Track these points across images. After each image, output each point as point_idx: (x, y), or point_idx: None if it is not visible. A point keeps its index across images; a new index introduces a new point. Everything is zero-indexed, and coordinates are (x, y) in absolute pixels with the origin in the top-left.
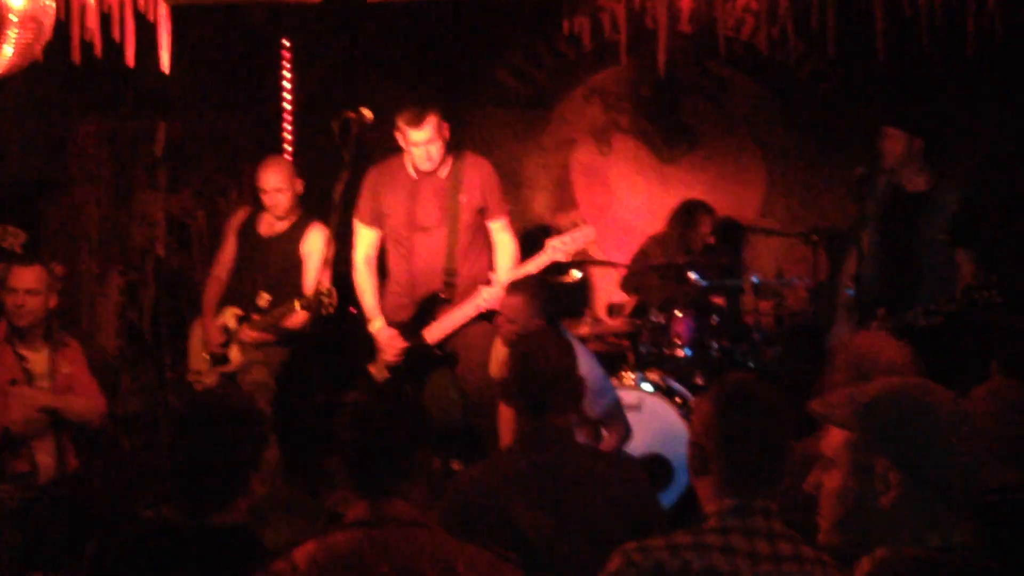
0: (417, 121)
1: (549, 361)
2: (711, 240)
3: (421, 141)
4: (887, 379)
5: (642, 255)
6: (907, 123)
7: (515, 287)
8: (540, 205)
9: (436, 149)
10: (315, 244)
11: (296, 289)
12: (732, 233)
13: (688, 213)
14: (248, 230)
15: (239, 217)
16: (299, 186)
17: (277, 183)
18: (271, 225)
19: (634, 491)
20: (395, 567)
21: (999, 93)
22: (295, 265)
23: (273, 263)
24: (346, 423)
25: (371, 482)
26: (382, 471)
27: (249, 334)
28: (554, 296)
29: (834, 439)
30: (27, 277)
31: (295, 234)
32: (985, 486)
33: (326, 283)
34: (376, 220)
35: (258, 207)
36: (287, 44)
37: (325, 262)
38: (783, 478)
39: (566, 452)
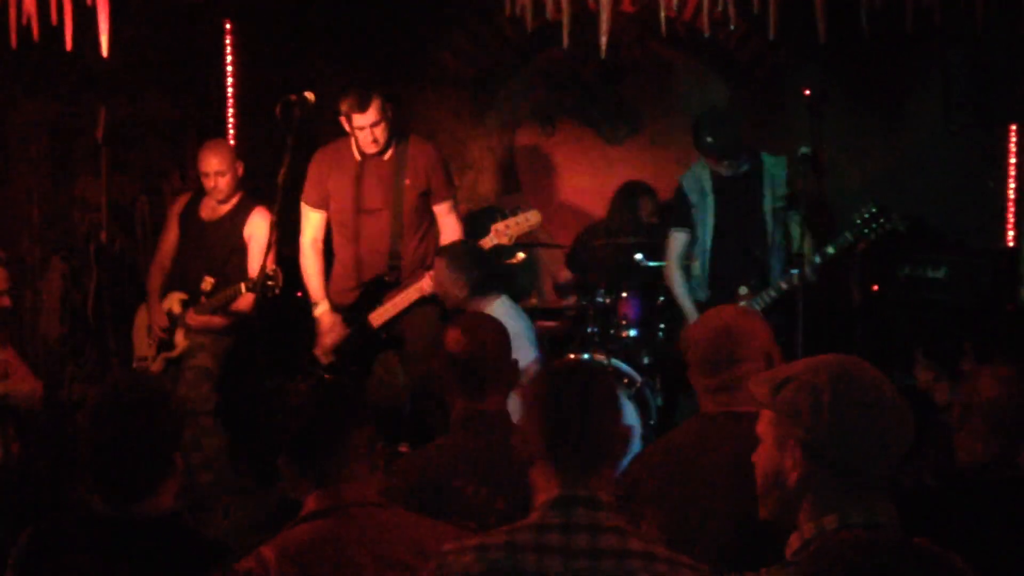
0: (362, 105)
1: (483, 347)
2: (654, 220)
3: (367, 124)
4: (815, 358)
5: (586, 233)
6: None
7: (438, 252)
8: (485, 187)
9: (382, 132)
10: (258, 227)
11: (240, 272)
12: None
13: (629, 195)
14: (190, 215)
15: (180, 203)
16: (240, 169)
17: (218, 165)
18: (213, 209)
19: None
20: (371, 552)
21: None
22: (238, 249)
23: (216, 247)
24: (283, 414)
25: (318, 469)
26: (324, 457)
27: (196, 318)
28: (485, 267)
29: (763, 416)
30: None
31: (237, 218)
32: (898, 470)
33: (271, 265)
34: (322, 202)
35: (200, 192)
36: (229, 26)
37: (269, 245)
38: (613, 464)
39: (506, 436)
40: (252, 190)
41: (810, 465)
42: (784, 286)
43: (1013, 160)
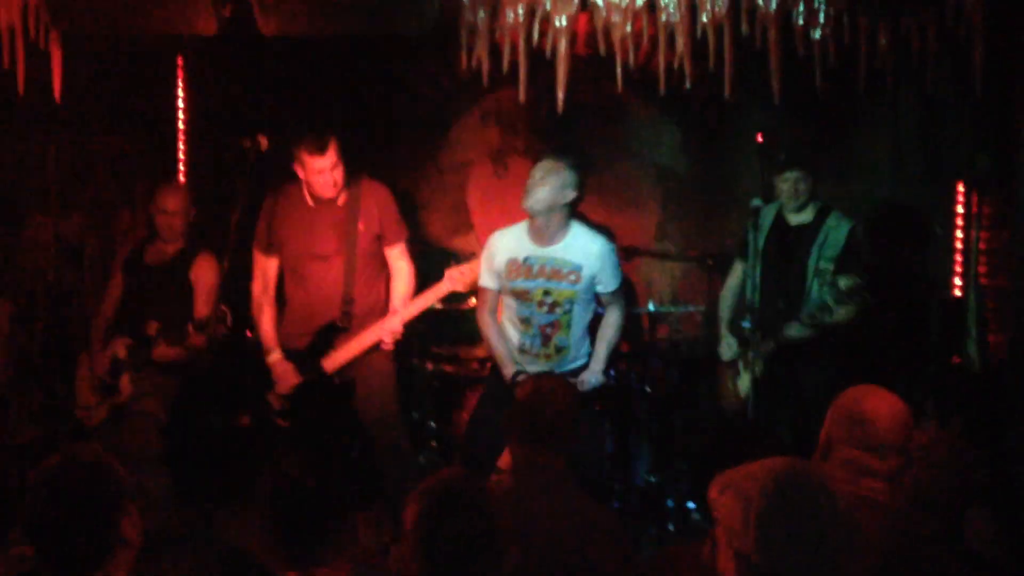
0: (321, 148)
1: (554, 402)
2: None
3: (326, 167)
4: (759, 463)
5: None
6: (804, 162)
7: None
8: (437, 227)
9: (339, 174)
10: (203, 271)
11: (186, 316)
12: (628, 257)
13: None
14: (134, 262)
15: (123, 253)
16: (192, 214)
17: (175, 206)
18: (158, 253)
19: (611, 554)
20: None
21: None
22: (184, 292)
23: (161, 291)
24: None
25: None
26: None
27: (167, 351)
28: None
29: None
30: None
31: (183, 263)
32: None
33: (220, 306)
34: (274, 248)
35: (144, 240)
36: (181, 63)
37: (218, 287)
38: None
39: (557, 494)
40: (202, 230)
41: (744, 573)
42: (787, 334)
43: (960, 216)
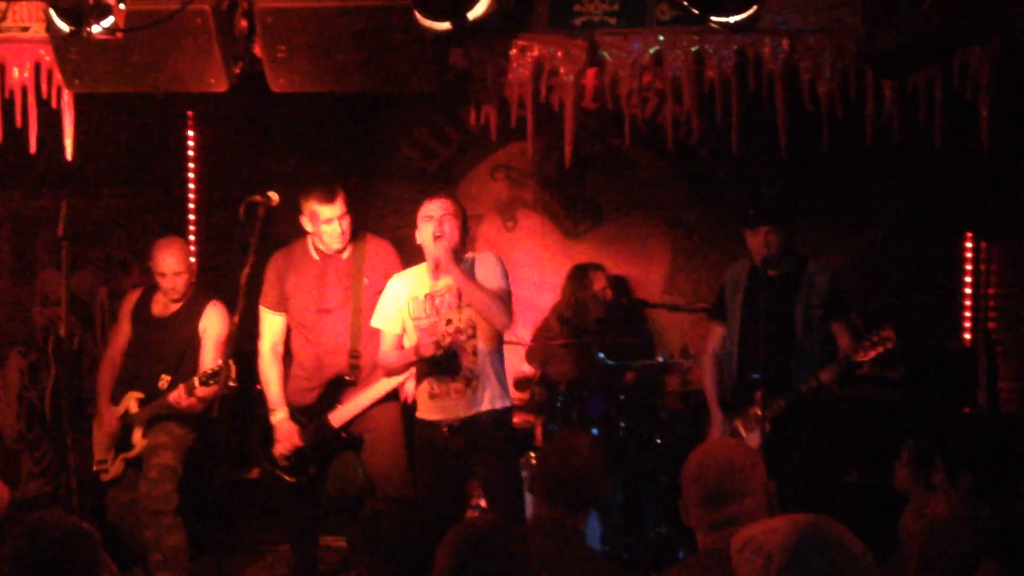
0: (330, 197)
1: (577, 460)
2: (609, 295)
3: (335, 216)
4: (782, 517)
5: (545, 327)
6: (773, 218)
7: None
8: None
9: (347, 224)
10: (212, 321)
11: (195, 367)
12: (637, 309)
13: (580, 274)
14: (141, 311)
15: (131, 299)
16: (194, 270)
17: (175, 266)
18: (166, 305)
19: None
20: None
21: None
22: (193, 344)
23: (169, 343)
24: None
25: None
26: None
27: (186, 399)
28: None
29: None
30: None
31: (191, 312)
32: None
33: (227, 361)
34: (281, 305)
35: (152, 287)
36: (192, 118)
37: (228, 342)
38: None
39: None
40: (211, 285)
41: None
42: (803, 389)
43: (969, 267)
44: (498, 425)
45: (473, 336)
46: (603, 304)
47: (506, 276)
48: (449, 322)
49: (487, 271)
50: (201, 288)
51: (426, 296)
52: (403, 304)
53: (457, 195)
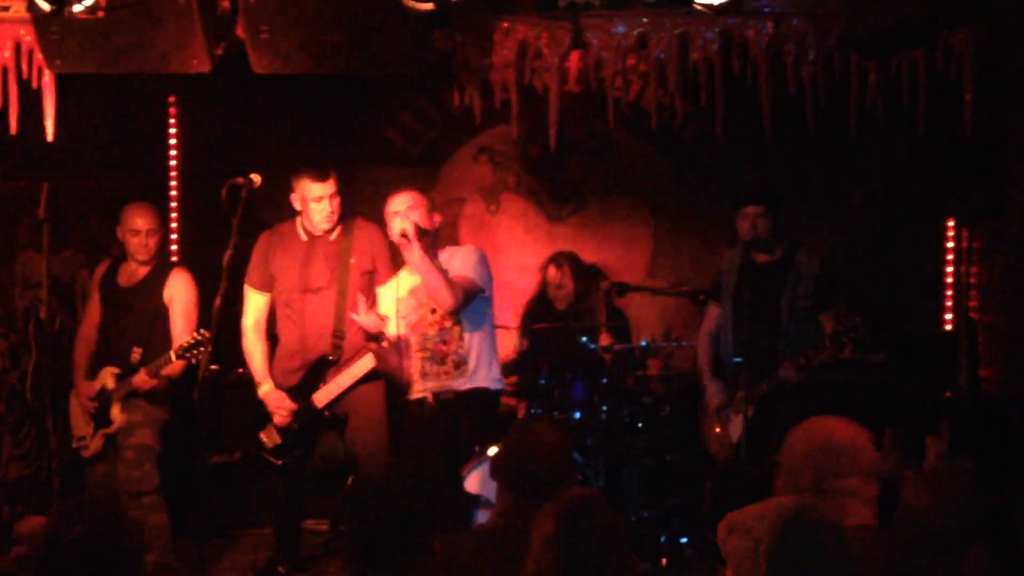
0: (323, 176)
1: (540, 448)
2: (569, 285)
3: (325, 195)
4: (769, 502)
5: (530, 313)
6: (761, 199)
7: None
8: None
9: (337, 204)
10: (178, 289)
11: (165, 337)
12: (620, 293)
13: (544, 267)
14: (108, 282)
15: (99, 271)
16: (162, 233)
17: (150, 223)
18: (131, 275)
19: None
20: None
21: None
22: (160, 313)
23: (137, 314)
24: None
25: None
26: None
27: (148, 380)
28: None
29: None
30: None
31: (156, 281)
32: None
33: (200, 331)
34: (266, 285)
35: (117, 259)
36: (174, 102)
37: (197, 308)
38: None
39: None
40: (194, 266)
41: None
42: (782, 376)
43: (951, 247)
44: (484, 402)
45: (459, 322)
46: (562, 296)
47: (479, 268)
48: (433, 311)
49: (459, 260)
50: (165, 259)
51: (409, 292)
52: (394, 308)
53: (440, 179)
